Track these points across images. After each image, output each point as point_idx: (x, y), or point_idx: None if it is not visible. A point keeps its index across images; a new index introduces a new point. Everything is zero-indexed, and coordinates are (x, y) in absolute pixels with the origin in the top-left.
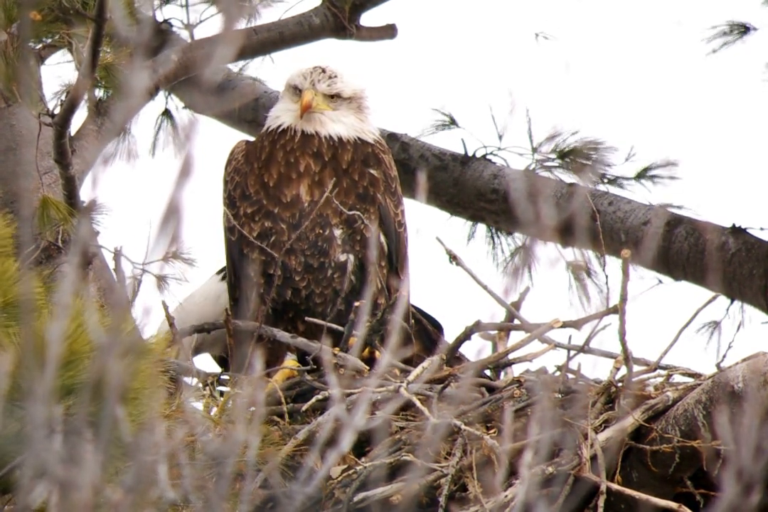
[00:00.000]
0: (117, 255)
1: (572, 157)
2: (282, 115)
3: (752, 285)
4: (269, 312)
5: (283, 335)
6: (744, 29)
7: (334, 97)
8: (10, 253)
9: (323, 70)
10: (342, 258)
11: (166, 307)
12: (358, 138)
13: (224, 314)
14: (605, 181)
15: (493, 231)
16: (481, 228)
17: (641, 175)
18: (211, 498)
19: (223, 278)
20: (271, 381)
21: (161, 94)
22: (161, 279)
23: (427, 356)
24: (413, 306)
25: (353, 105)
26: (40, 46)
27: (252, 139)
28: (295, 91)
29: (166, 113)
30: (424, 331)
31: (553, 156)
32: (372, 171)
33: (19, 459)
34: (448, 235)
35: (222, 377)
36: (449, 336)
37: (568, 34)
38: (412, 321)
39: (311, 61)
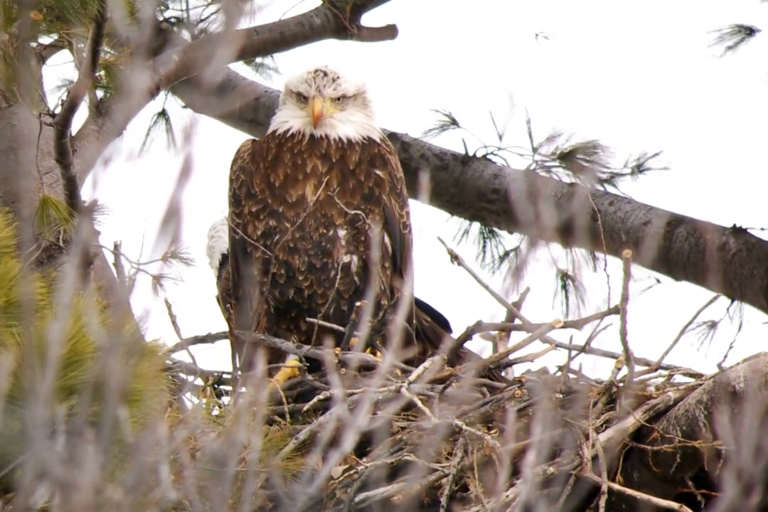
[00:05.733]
0: (117, 248)
1: (572, 158)
2: (290, 121)
3: (753, 286)
4: (271, 311)
5: (288, 346)
6: (749, 31)
7: (340, 98)
8: (13, 253)
9: (325, 73)
10: (345, 259)
11: (169, 305)
12: (367, 137)
13: (227, 318)
14: (602, 179)
15: (486, 231)
16: (475, 227)
17: (635, 170)
18: (212, 498)
19: None
20: (272, 380)
21: (162, 94)
22: (157, 280)
23: (433, 353)
24: (421, 301)
25: (358, 101)
26: (40, 46)
27: (255, 138)
28: (299, 97)
29: (163, 113)
30: (431, 330)
31: (553, 157)
32: (378, 172)
33: (21, 460)
34: (447, 235)
35: (224, 376)
36: (455, 333)
37: (568, 34)
38: (415, 321)
39: (309, 64)
